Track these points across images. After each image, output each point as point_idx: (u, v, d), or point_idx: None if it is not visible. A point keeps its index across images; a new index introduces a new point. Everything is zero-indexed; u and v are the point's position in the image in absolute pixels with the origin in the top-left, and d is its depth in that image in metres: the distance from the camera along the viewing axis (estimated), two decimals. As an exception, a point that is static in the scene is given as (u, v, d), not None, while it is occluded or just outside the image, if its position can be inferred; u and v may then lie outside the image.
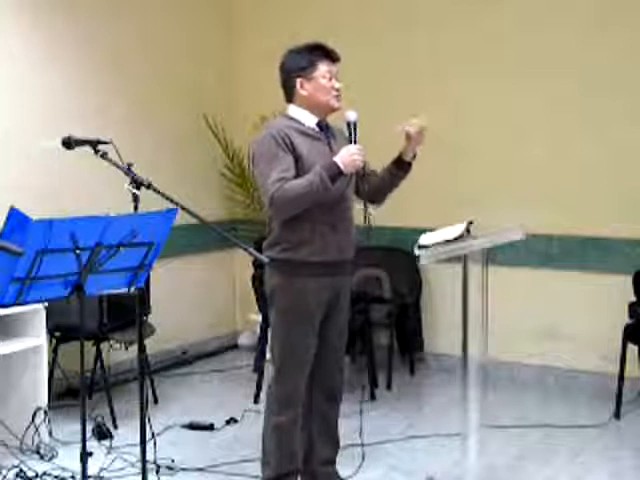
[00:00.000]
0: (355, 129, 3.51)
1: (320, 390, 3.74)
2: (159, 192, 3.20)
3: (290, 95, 3.61)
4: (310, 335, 3.59)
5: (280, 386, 3.62)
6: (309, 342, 3.59)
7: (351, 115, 3.52)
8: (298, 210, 3.45)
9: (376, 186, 3.67)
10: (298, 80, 3.56)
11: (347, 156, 3.41)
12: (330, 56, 3.57)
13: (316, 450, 3.79)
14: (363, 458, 4.23)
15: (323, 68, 3.54)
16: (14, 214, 2.71)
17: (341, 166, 3.40)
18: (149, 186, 3.18)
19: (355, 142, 3.48)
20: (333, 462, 3.85)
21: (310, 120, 3.58)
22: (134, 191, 3.19)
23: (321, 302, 3.58)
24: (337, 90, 3.56)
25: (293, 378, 3.61)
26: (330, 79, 3.55)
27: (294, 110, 3.60)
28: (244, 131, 6.14)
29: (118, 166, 3.19)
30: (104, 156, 3.21)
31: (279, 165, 3.42)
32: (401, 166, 3.64)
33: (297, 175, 3.44)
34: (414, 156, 3.65)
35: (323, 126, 3.61)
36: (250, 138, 4.68)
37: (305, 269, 3.51)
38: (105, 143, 3.27)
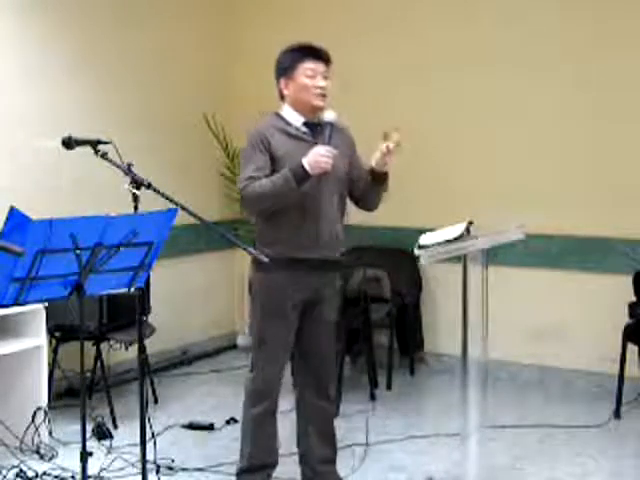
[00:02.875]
0: (331, 130, 3.51)
1: (311, 388, 3.75)
2: (159, 192, 3.20)
3: (280, 95, 3.65)
4: (283, 330, 3.61)
5: (254, 378, 3.68)
6: (282, 337, 3.61)
7: (328, 115, 3.54)
8: (265, 208, 3.52)
9: (363, 193, 3.72)
10: (282, 80, 3.60)
11: (313, 157, 3.42)
12: (315, 54, 3.57)
13: (313, 449, 3.79)
14: (364, 456, 4.24)
15: (305, 66, 3.54)
16: (14, 214, 2.71)
17: (307, 167, 3.41)
18: (149, 186, 3.18)
19: (328, 143, 3.47)
20: (332, 461, 3.84)
21: (297, 120, 3.60)
22: (134, 191, 3.19)
23: (296, 299, 3.59)
24: (321, 88, 3.55)
25: (266, 371, 3.65)
26: (313, 77, 3.55)
27: (284, 109, 3.64)
28: (244, 131, 6.13)
29: (118, 166, 3.19)
30: (104, 156, 3.21)
31: (253, 164, 3.50)
32: (377, 178, 3.64)
33: (274, 173, 3.49)
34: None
35: (311, 125, 3.61)
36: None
37: (279, 265, 3.51)
38: (105, 143, 3.27)
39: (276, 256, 3.48)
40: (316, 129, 3.60)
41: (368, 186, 3.68)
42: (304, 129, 3.60)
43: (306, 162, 3.41)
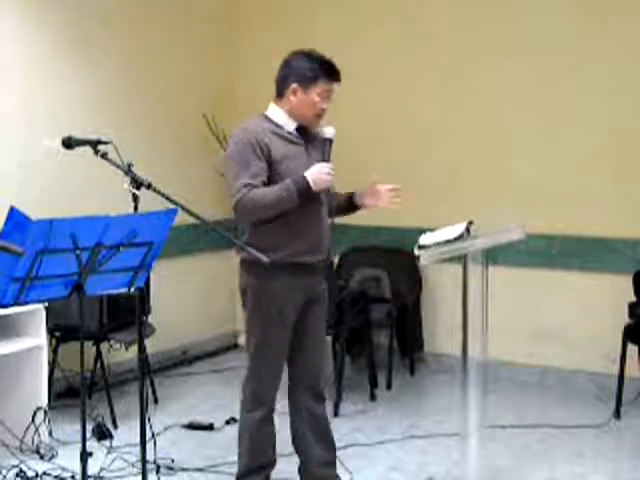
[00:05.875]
0: (330, 146, 3.53)
1: (305, 390, 3.75)
2: (159, 192, 3.20)
3: (280, 94, 3.60)
4: (283, 336, 3.61)
5: (252, 384, 3.67)
6: (282, 342, 3.62)
7: (328, 132, 3.54)
8: (261, 218, 3.49)
9: (337, 207, 3.75)
10: (294, 86, 3.55)
11: (317, 174, 3.44)
12: (334, 77, 3.56)
13: (310, 451, 3.78)
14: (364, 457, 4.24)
15: (322, 87, 3.53)
16: (14, 214, 2.70)
17: (310, 183, 3.43)
18: (149, 186, 3.18)
19: (328, 160, 3.50)
20: (331, 463, 3.83)
21: (289, 124, 3.58)
22: (134, 191, 3.19)
23: (295, 303, 3.59)
24: (322, 110, 3.56)
25: (265, 377, 3.64)
26: (324, 99, 3.54)
27: (274, 112, 3.60)
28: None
29: (118, 166, 3.19)
30: (104, 156, 3.21)
31: (250, 170, 3.45)
32: (354, 209, 3.73)
33: (270, 178, 3.47)
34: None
35: (302, 131, 3.61)
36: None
37: (278, 271, 3.49)
38: (105, 143, 3.27)
39: (277, 261, 3.44)
40: (305, 134, 3.60)
41: (341, 206, 3.74)
42: (295, 133, 3.59)
43: (310, 178, 3.43)
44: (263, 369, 3.65)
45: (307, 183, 3.43)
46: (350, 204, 3.72)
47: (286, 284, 3.54)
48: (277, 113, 3.59)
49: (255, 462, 3.71)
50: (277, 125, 3.57)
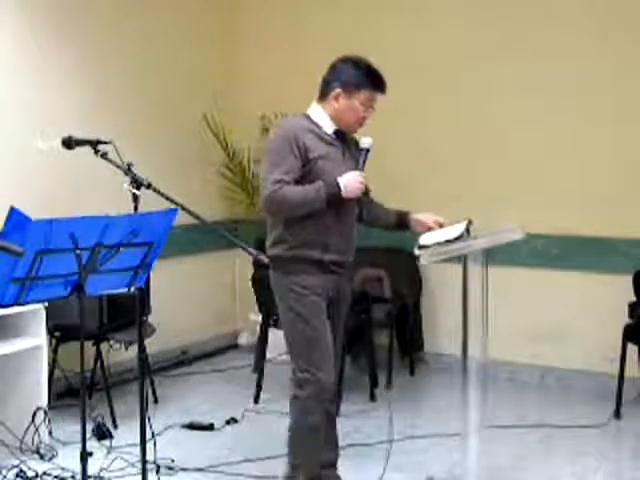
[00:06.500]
0: (366, 156, 3.57)
1: None
2: (159, 192, 3.21)
3: (323, 96, 3.63)
4: (327, 326, 3.60)
5: (308, 384, 3.54)
6: (328, 333, 3.59)
7: (365, 142, 3.59)
8: (289, 215, 3.52)
9: (376, 218, 3.81)
10: (337, 90, 3.57)
11: (351, 182, 3.48)
12: (380, 88, 3.60)
13: None
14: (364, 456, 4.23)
15: (367, 95, 3.56)
16: (14, 214, 2.71)
17: (342, 189, 3.47)
18: (149, 186, 3.19)
19: (362, 169, 3.54)
20: (334, 465, 3.82)
21: (328, 126, 3.61)
22: (134, 191, 3.20)
23: (323, 300, 3.60)
24: (363, 118, 3.60)
25: (323, 371, 3.55)
26: (367, 107, 3.58)
27: (315, 112, 3.63)
28: (244, 131, 6.15)
29: (118, 166, 3.20)
30: (104, 156, 3.22)
31: (282, 166, 3.46)
32: (402, 227, 3.78)
33: (304, 176, 3.48)
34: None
35: (340, 134, 3.65)
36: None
37: (307, 268, 3.54)
38: (105, 143, 3.28)
39: (308, 257, 3.52)
40: (343, 137, 3.65)
41: (387, 222, 3.82)
42: (333, 135, 3.62)
43: (342, 184, 3.46)
44: (318, 364, 3.54)
45: (338, 189, 3.46)
46: (401, 223, 3.77)
47: (315, 280, 3.55)
48: (318, 113, 3.62)
49: (315, 471, 3.64)
50: (317, 125, 3.60)
